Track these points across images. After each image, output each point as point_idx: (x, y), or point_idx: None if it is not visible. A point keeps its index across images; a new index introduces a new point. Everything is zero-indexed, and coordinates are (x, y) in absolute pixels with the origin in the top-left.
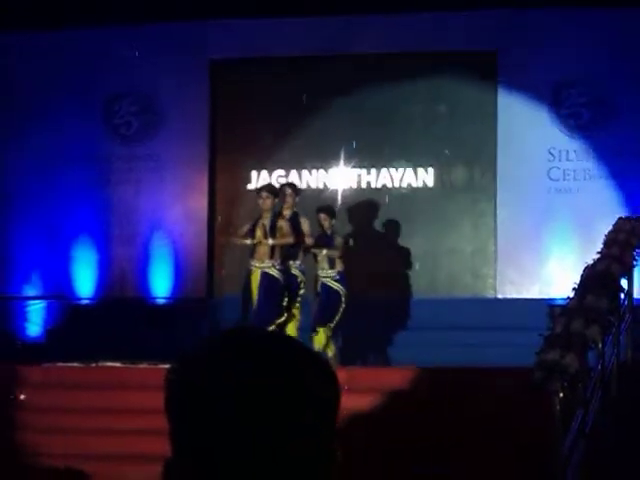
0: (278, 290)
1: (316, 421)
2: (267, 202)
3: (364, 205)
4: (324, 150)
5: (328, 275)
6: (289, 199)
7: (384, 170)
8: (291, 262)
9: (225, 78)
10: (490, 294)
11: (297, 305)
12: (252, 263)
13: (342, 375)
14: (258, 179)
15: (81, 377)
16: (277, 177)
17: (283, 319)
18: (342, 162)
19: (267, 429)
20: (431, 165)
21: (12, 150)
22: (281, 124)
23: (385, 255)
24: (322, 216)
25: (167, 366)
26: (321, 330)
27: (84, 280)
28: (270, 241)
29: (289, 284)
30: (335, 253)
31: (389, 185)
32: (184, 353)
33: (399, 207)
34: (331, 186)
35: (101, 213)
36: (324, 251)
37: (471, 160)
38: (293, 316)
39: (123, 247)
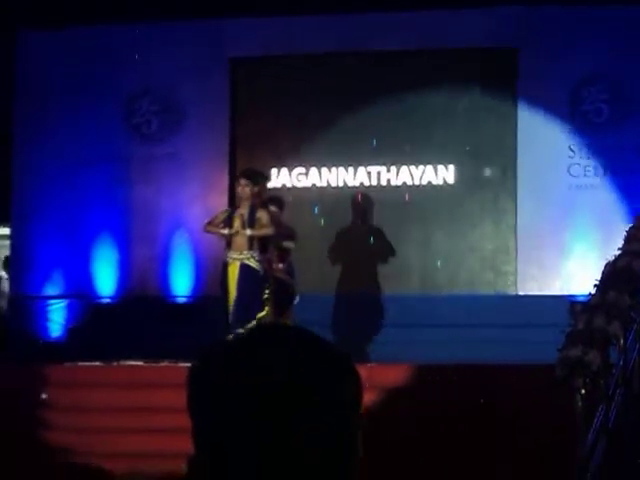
0: (259, 282)
1: (337, 417)
2: (245, 190)
3: (384, 202)
4: (344, 148)
5: (279, 268)
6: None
7: (404, 167)
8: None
9: (245, 76)
10: (511, 291)
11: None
12: (229, 255)
13: (362, 372)
14: (278, 177)
15: (102, 376)
16: (297, 175)
17: (265, 313)
18: (362, 159)
19: (287, 425)
20: (451, 162)
21: (32, 150)
22: (301, 122)
23: (405, 252)
24: (274, 208)
25: (188, 364)
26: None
27: (105, 279)
28: (248, 232)
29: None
30: (292, 245)
31: (409, 183)
32: (205, 351)
33: (420, 205)
34: (351, 184)
35: (122, 212)
36: (292, 243)
37: (492, 157)
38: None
39: (144, 246)
